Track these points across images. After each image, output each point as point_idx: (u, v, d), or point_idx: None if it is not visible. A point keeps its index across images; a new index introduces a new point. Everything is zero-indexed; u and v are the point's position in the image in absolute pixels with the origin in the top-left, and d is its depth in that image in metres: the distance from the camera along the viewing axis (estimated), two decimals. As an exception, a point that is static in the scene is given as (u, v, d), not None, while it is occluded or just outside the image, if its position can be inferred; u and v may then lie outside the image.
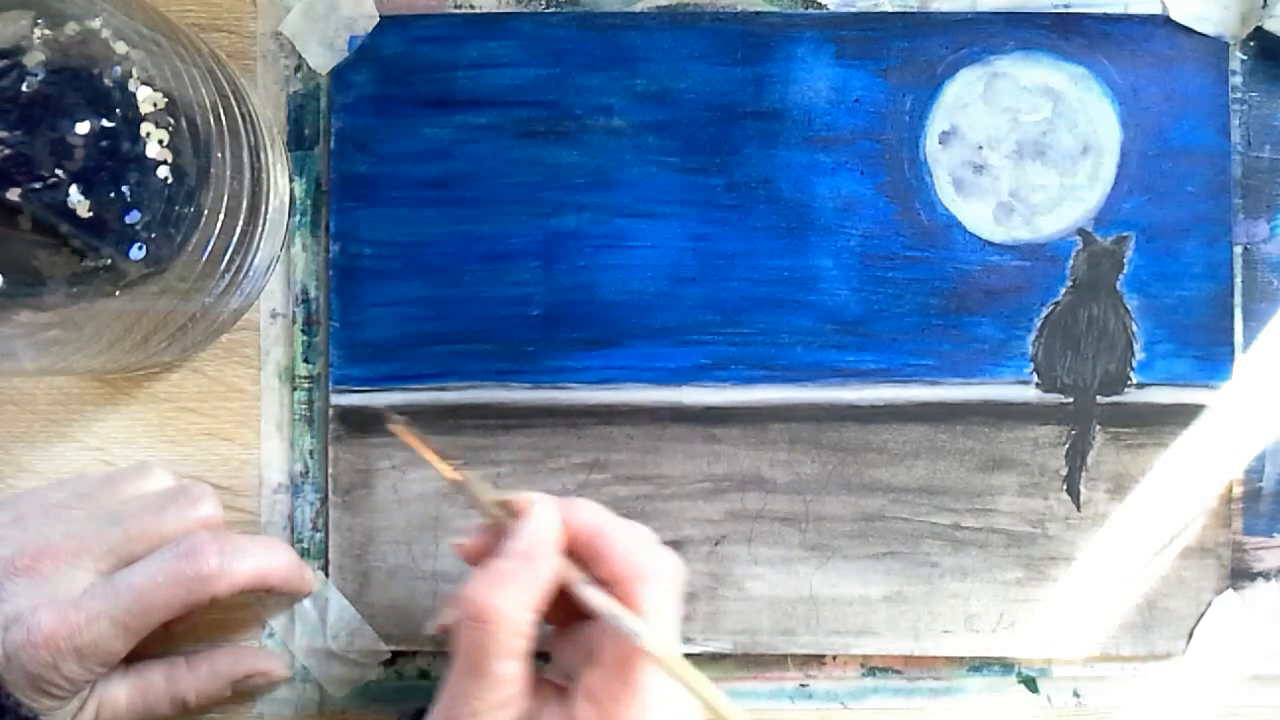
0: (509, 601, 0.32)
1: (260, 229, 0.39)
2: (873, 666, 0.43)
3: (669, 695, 0.33)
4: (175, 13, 0.40)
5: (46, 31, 0.32)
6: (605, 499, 0.42)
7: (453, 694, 0.33)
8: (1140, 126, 0.42)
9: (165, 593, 0.36)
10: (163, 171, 0.33)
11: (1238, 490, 0.42)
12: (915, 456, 0.42)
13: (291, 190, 0.43)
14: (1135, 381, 0.42)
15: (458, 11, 0.43)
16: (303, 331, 0.43)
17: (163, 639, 0.40)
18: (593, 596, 0.33)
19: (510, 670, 0.33)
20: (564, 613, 0.35)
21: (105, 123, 0.32)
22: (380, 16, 0.42)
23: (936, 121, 0.42)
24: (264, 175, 0.39)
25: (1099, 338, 0.42)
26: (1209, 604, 0.42)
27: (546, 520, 0.34)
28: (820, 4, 0.43)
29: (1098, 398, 0.42)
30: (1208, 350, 0.42)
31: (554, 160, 0.42)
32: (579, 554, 0.34)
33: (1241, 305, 0.42)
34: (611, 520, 0.35)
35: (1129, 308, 0.42)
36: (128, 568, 0.36)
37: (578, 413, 0.42)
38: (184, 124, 0.34)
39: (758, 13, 0.42)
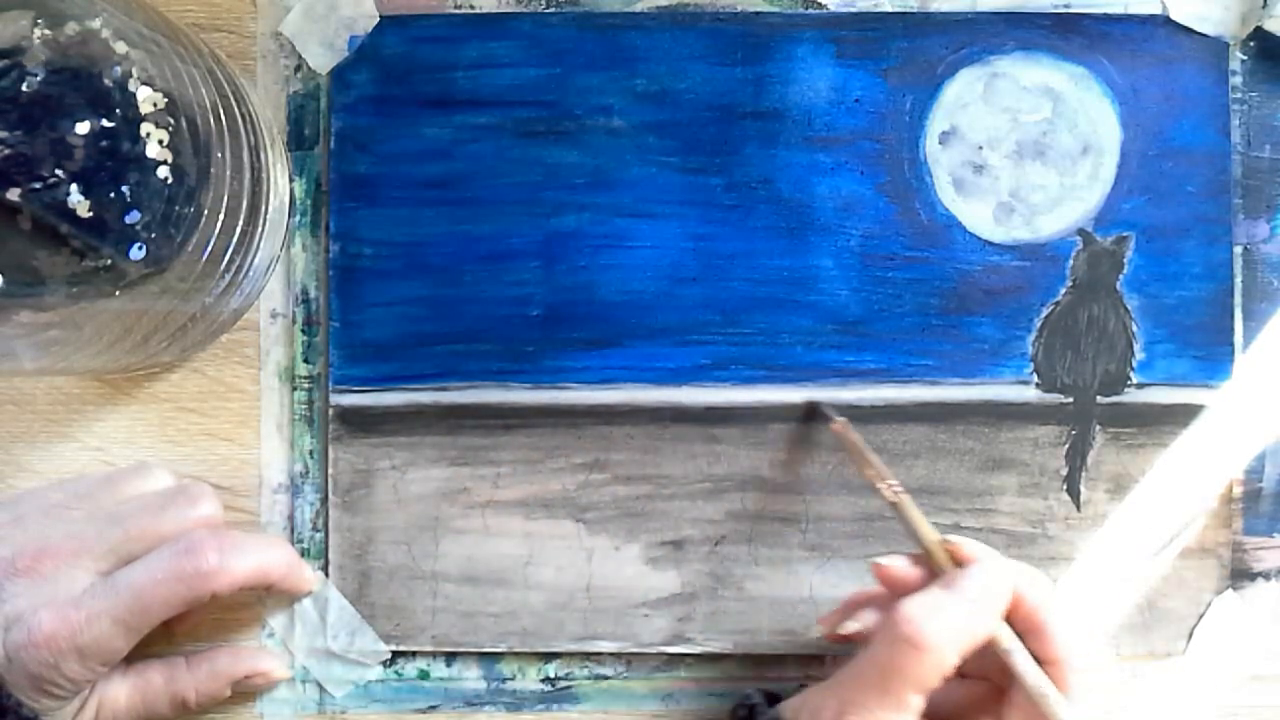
0: (947, 638, 0.32)
1: (260, 229, 0.39)
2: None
3: None
4: (175, 13, 0.40)
5: (46, 31, 0.32)
6: (605, 499, 0.42)
7: (848, 697, 0.33)
8: (1140, 126, 0.42)
9: (165, 590, 0.36)
10: (163, 171, 0.33)
11: (1238, 490, 0.42)
12: (915, 456, 0.42)
13: (291, 190, 0.43)
14: (1135, 381, 0.42)
15: (458, 11, 0.43)
16: (303, 331, 0.43)
17: (163, 639, 0.40)
18: (1025, 668, 0.33)
19: (918, 704, 0.33)
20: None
21: (105, 123, 0.32)
22: (380, 16, 0.42)
23: (936, 121, 0.42)
24: (264, 175, 0.39)
25: (1099, 338, 0.42)
26: (1209, 604, 0.42)
27: (1003, 579, 0.34)
28: (820, 4, 0.43)
29: (1098, 398, 0.42)
30: (1208, 350, 0.42)
31: (554, 160, 0.42)
32: (1016, 621, 0.34)
33: (1241, 305, 0.42)
34: (1052, 596, 0.35)
35: (1129, 308, 0.42)
36: (127, 567, 0.37)
37: (578, 413, 0.42)
38: (184, 124, 0.34)
39: (758, 13, 0.42)
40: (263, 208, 0.39)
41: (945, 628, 0.32)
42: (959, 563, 0.35)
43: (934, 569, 0.36)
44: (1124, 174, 0.42)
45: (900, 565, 0.36)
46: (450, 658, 0.43)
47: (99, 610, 0.35)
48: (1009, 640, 0.34)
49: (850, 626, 0.37)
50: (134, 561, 0.37)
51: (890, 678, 0.33)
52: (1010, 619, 0.34)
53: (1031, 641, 0.34)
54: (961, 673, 0.35)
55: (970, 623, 0.33)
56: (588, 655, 0.43)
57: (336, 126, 0.42)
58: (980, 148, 0.42)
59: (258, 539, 0.40)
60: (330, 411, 0.42)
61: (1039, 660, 0.34)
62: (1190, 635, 0.42)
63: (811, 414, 0.42)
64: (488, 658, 0.43)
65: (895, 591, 0.36)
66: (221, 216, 0.36)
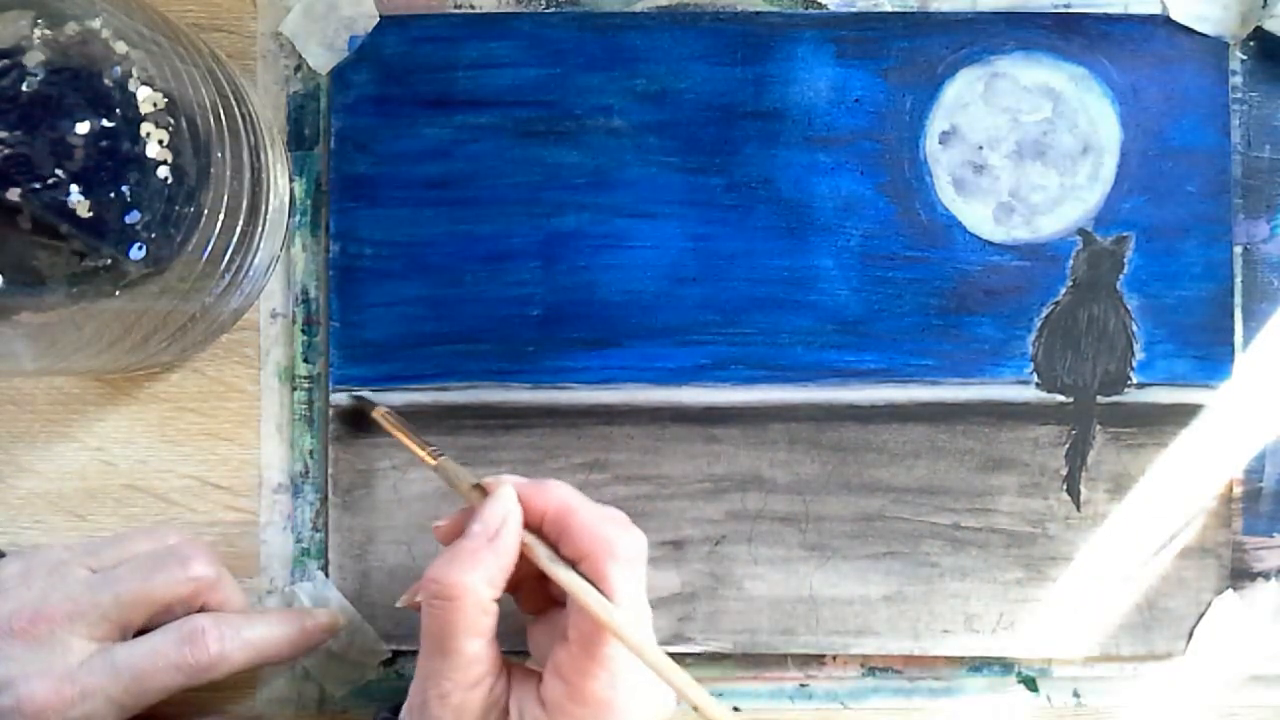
0: (472, 579, 0.33)
1: (260, 229, 0.39)
2: (873, 666, 0.43)
3: (636, 671, 0.33)
4: (175, 13, 0.40)
5: (46, 31, 0.32)
6: (605, 499, 0.42)
7: (423, 675, 0.34)
8: (1140, 126, 0.42)
9: (164, 678, 0.36)
10: (163, 171, 0.33)
11: (1238, 490, 0.42)
12: (915, 456, 0.42)
13: (291, 190, 0.43)
14: (1135, 381, 0.42)
15: (458, 11, 0.43)
16: (303, 331, 0.43)
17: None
18: (559, 572, 0.34)
19: (476, 648, 0.33)
20: (541, 600, 0.36)
21: (105, 123, 0.32)
22: (380, 16, 0.42)
23: (936, 121, 0.42)
24: (264, 175, 0.39)
25: (1099, 338, 0.42)
26: (1209, 604, 0.42)
27: (507, 500, 0.34)
28: (820, 4, 0.43)
29: (1098, 398, 0.42)
30: (1208, 350, 0.42)
31: (554, 160, 0.42)
32: (549, 532, 0.35)
33: (1241, 305, 0.42)
34: (579, 498, 0.35)
35: (1129, 308, 0.42)
36: (128, 644, 0.36)
37: (578, 413, 0.42)
38: (184, 124, 0.34)
39: (758, 13, 0.42)
40: (263, 208, 0.39)
41: (465, 569, 0.33)
42: None
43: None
44: (1124, 174, 0.42)
45: (448, 523, 0.36)
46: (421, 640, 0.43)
47: (94, 688, 0.35)
48: (536, 549, 0.34)
49: (417, 595, 0.36)
50: (128, 627, 0.37)
51: (441, 637, 0.33)
52: (544, 533, 0.35)
53: (564, 545, 0.34)
54: (554, 606, 0.36)
55: (488, 555, 0.33)
56: (588, 655, 0.42)
57: (336, 126, 0.42)
58: (980, 148, 0.42)
59: (262, 618, 0.39)
60: (330, 411, 0.42)
61: (577, 559, 0.34)
62: (1190, 635, 0.42)
63: (362, 412, 0.42)
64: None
65: None
66: (221, 216, 0.36)
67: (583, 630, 0.33)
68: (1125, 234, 0.42)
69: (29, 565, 0.37)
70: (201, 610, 0.38)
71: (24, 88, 0.31)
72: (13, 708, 0.34)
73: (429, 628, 0.33)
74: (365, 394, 0.42)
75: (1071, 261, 0.42)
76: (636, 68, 0.42)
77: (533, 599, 0.36)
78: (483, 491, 0.35)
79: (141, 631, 0.37)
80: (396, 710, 0.36)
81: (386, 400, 0.42)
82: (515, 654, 0.36)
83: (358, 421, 0.42)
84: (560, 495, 0.35)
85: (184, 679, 0.36)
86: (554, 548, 0.34)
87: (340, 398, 0.42)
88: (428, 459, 0.38)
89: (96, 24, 0.32)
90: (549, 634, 0.35)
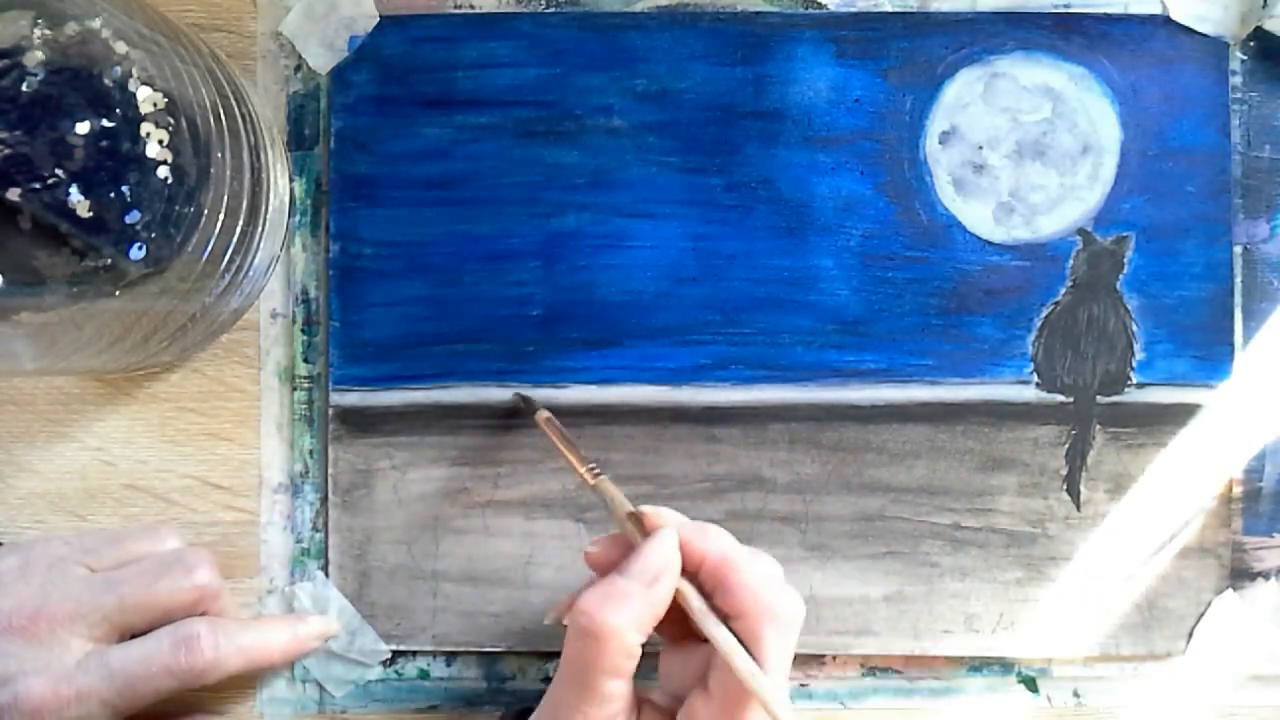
0: (623, 622, 0.32)
1: (260, 229, 0.39)
2: (873, 666, 0.43)
3: None
4: (175, 13, 0.40)
5: (46, 31, 0.32)
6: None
7: (557, 702, 0.33)
8: (1140, 126, 0.42)
9: (158, 681, 0.36)
10: (163, 171, 0.33)
11: (1238, 490, 0.42)
12: (915, 456, 0.42)
13: (291, 190, 0.43)
14: (1135, 381, 0.42)
15: (458, 11, 0.43)
16: (303, 331, 0.43)
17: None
18: (713, 628, 0.33)
19: (615, 689, 0.33)
20: (679, 629, 0.35)
21: (105, 123, 0.32)
22: (380, 16, 0.42)
23: (936, 121, 0.42)
24: (264, 175, 0.39)
25: (1099, 338, 0.42)
26: (1209, 604, 0.42)
27: (669, 546, 0.34)
28: (820, 4, 0.43)
29: (1098, 398, 0.42)
30: (1207, 350, 0.42)
31: (554, 160, 0.42)
32: (705, 581, 0.34)
33: (1241, 305, 0.42)
34: (741, 551, 0.34)
35: (1129, 308, 0.42)
36: (124, 646, 0.37)
37: (578, 413, 0.42)
38: (184, 124, 0.34)
39: (758, 13, 0.42)
40: (263, 208, 0.39)
41: (616, 612, 0.32)
42: (648, 534, 0.35)
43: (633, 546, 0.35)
44: (1124, 174, 0.42)
45: (601, 549, 0.36)
46: (450, 658, 0.43)
47: (89, 690, 0.35)
48: (692, 601, 0.33)
49: (563, 616, 0.36)
50: (128, 630, 0.37)
51: (583, 672, 0.33)
52: (699, 579, 0.34)
53: (719, 598, 0.33)
54: (698, 639, 0.35)
55: (642, 600, 0.33)
56: (588, 655, 0.42)
57: (336, 126, 0.42)
58: (980, 148, 0.42)
59: (257, 624, 0.40)
60: (330, 411, 0.42)
61: (727, 616, 0.33)
62: (1190, 635, 0.42)
63: (518, 410, 0.42)
64: (488, 658, 0.43)
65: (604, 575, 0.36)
66: (221, 216, 0.36)
67: (728, 689, 0.32)
68: (1125, 234, 0.42)
69: (27, 559, 0.37)
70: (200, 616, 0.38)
71: (24, 88, 0.31)
72: (10, 705, 0.34)
73: (572, 659, 0.33)
74: (527, 392, 0.42)
75: (1071, 261, 0.42)
76: (636, 68, 0.42)
77: (671, 626, 0.35)
78: (638, 521, 0.35)
79: (138, 634, 0.37)
80: (521, 715, 0.36)
81: (385, 400, 0.42)
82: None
83: (516, 416, 0.42)
84: (721, 546, 0.34)
85: (177, 683, 0.36)
86: (707, 597, 0.34)
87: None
88: (586, 476, 0.37)
89: (96, 24, 0.32)
90: (683, 666, 0.35)
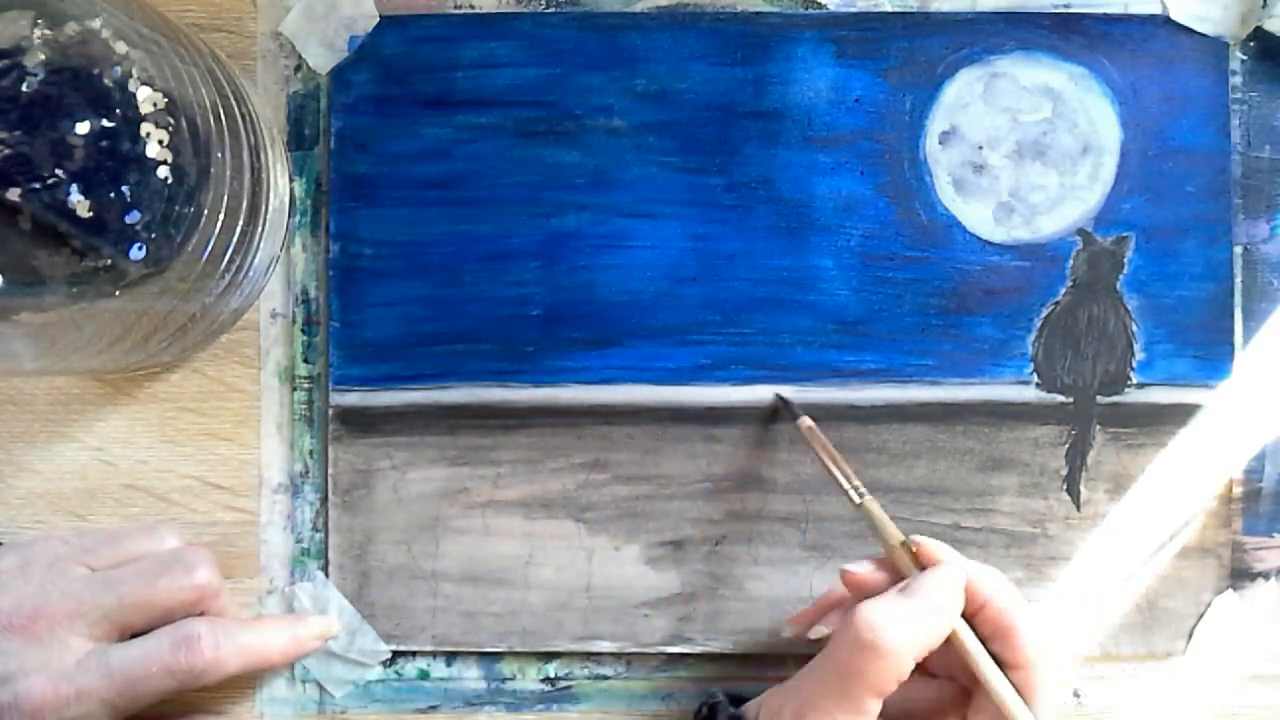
0: (903, 642, 0.32)
1: (260, 229, 0.39)
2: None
3: None
4: (175, 13, 0.40)
5: (46, 31, 0.32)
6: (605, 499, 0.42)
7: (806, 702, 0.33)
8: (1140, 126, 0.42)
9: (157, 681, 0.36)
10: (163, 171, 0.33)
11: (1238, 490, 0.42)
12: (915, 456, 0.42)
13: (291, 190, 0.43)
14: (1135, 381, 0.42)
15: (458, 11, 0.43)
16: (303, 331, 0.43)
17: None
18: (991, 677, 0.33)
19: (874, 707, 0.33)
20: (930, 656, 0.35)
21: (105, 123, 0.32)
22: (380, 16, 0.42)
23: (936, 121, 0.42)
24: (264, 175, 0.39)
25: (1099, 338, 0.42)
26: (1209, 604, 0.42)
27: (959, 582, 0.34)
28: (820, 4, 0.43)
29: (1098, 398, 0.42)
30: (1207, 350, 0.42)
31: (554, 160, 0.42)
32: (982, 625, 0.34)
33: (1241, 305, 0.42)
34: (1018, 599, 0.34)
35: (1129, 308, 0.42)
36: (123, 645, 0.37)
37: (578, 413, 0.42)
38: (184, 124, 0.34)
39: (758, 13, 0.42)
40: (263, 208, 0.39)
41: (901, 632, 0.32)
42: (922, 564, 0.35)
43: (898, 572, 0.36)
44: (1124, 174, 0.42)
45: (865, 570, 0.36)
46: (450, 658, 0.43)
47: (89, 689, 0.35)
48: (971, 643, 0.34)
49: (819, 631, 0.37)
50: (128, 629, 0.37)
51: (849, 681, 0.33)
52: (976, 621, 0.34)
53: (997, 644, 0.34)
54: (930, 672, 0.35)
55: (926, 627, 0.33)
56: (588, 655, 0.43)
57: (336, 126, 0.42)
58: (980, 148, 0.42)
59: (257, 625, 0.40)
60: (330, 411, 0.42)
61: (1004, 664, 0.34)
62: (1190, 635, 0.42)
63: (777, 411, 0.42)
64: (488, 658, 0.43)
65: (861, 597, 0.36)
66: (221, 216, 0.36)
67: None
68: (1125, 234, 0.42)
69: (26, 558, 0.37)
70: (200, 616, 0.38)
71: (24, 88, 0.31)
72: (10, 704, 0.34)
73: (842, 664, 0.33)
74: (787, 395, 0.42)
75: (1071, 261, 0.42)
76: (636, 68, 0.42)
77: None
78: (909, 551, 0.35)
79: (137, 633, 0.37)
80: (733, 699, 0.37)
81: (385, 400, 0.42)
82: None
83: (776, 417, 0.42)
84: (1006, 595, 0.34)
85: (177, 683, 0.37)
86: (983, 641, 0.34)
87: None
88: (851, 494, 0.37)
89: (96, 24, 0.32)
90: (925, 692, 0.35)
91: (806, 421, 0.40)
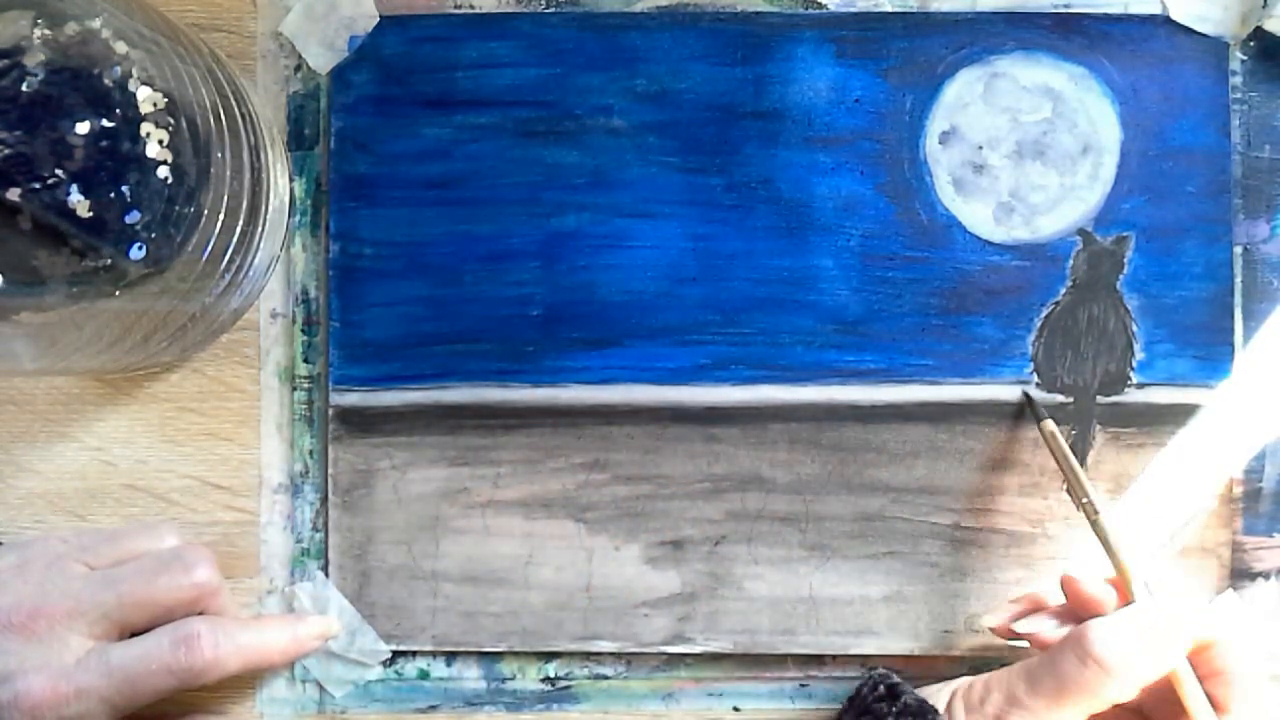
0: (1135, 667, 0.33)
1: (260, 229, 0.39)
2: (873, 666, 0.42)
3: None
4: (175, 13, 0.40)
5: (46, 31, 0.32)
6: (605, 499, 0.42)
7: (1018, 702, 0.34)
8: (1140, 126, 0.42)
9: (157, 680, 0.36)
10: (163, 171, 0.33)
11: (1238, 490, 0.42)
12: (915, 456, 0.42)
13: (291, 190, 0.43)
14: (1135, 381, 0.42)
15: (458, 11, 0.43)
16: (303, 331, 0.43)
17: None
18: (1201, 711, 0.33)
19: None
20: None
21: (105, 123, 0.32)
22: (380, 16, 0.42)
23: (936, 121, 0.42)
24: (264, 175, 0.39)
25: (1099, 338, 0.42)
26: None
27: (1195, 617, 0.34)
28: (820, 4, 0.43)
29: (1098, 398, 0.42)
30: (1207, 350, 0.42)
31: (554, 160, 0.42)
32: (1199, 664, 0.34)
33: (1241, 305, 0.42)
34: (1244, 646, 0.35)
35: (1129, 308, 0.42)
36: (123, 644, 0.37)
37: (578, 413, 0.42)
38: (184, 124, 0.34)
39: (758, 13, 0.42)
40: (263, 208, 0.39)
41: (1135, 657, 0.33)
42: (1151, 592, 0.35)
43: (1124, 593, 0.36)
44: (1124, 174, 0.42)
45: (1091, 583, 0.36)
46: (450, 658, 0.43)
47: (89, 688, 0.35)
48: (1189, 682, 0.34)
49: (1026, 627, 0.37)
50: (128, 627, 0.37)
51: (1067, 691, 0.33)
52: (1193, 658, 0.34)
53: (1213, 685, 0.34)
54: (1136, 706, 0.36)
55: (1159, 657, 0.33)
56: (588, 655, 0.43)
57: (336, 126, 0.42)
58: (980, 148, 0.42)
59: (257, 624, 0.40)
60: (330, 411, 0.42)
61: (1216, 705, 0.34)
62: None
63: (1022, 409, 0.42)
64: (488, 658, 0.43)
65: (1078, 607, 0.37)
66: (221, 216, 0.36)
67: None
68: (1125, 234, 0.42)
69: (25, 557, 0.37)
70: (200, 615, 0.38)
71: (24, 88, 0.31)
72: (10, 702, 0.34)
73: (1066, 673, 0.33)
74: (1033, 392, 0.42)
75: (1071, 261, 0.42)
76: (636, 68, 0.42)
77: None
78: (1125, 576, 0.36)
79: (137, 632, 0.37)
80: (890, 690, 0.37)
81: (385, 400, 0.42)
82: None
83: (1021, 415, 0.42)
84: (1225, 631, 0.34)
85: (176, 682, 0.36)
86: (1200, 678, 0.34)
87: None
88: (1087, 509, 0.38)
89: (96, 24, 0.32)
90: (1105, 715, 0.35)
91: (1050, 426, 0.40)
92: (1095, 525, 0.37)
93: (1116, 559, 0.36)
